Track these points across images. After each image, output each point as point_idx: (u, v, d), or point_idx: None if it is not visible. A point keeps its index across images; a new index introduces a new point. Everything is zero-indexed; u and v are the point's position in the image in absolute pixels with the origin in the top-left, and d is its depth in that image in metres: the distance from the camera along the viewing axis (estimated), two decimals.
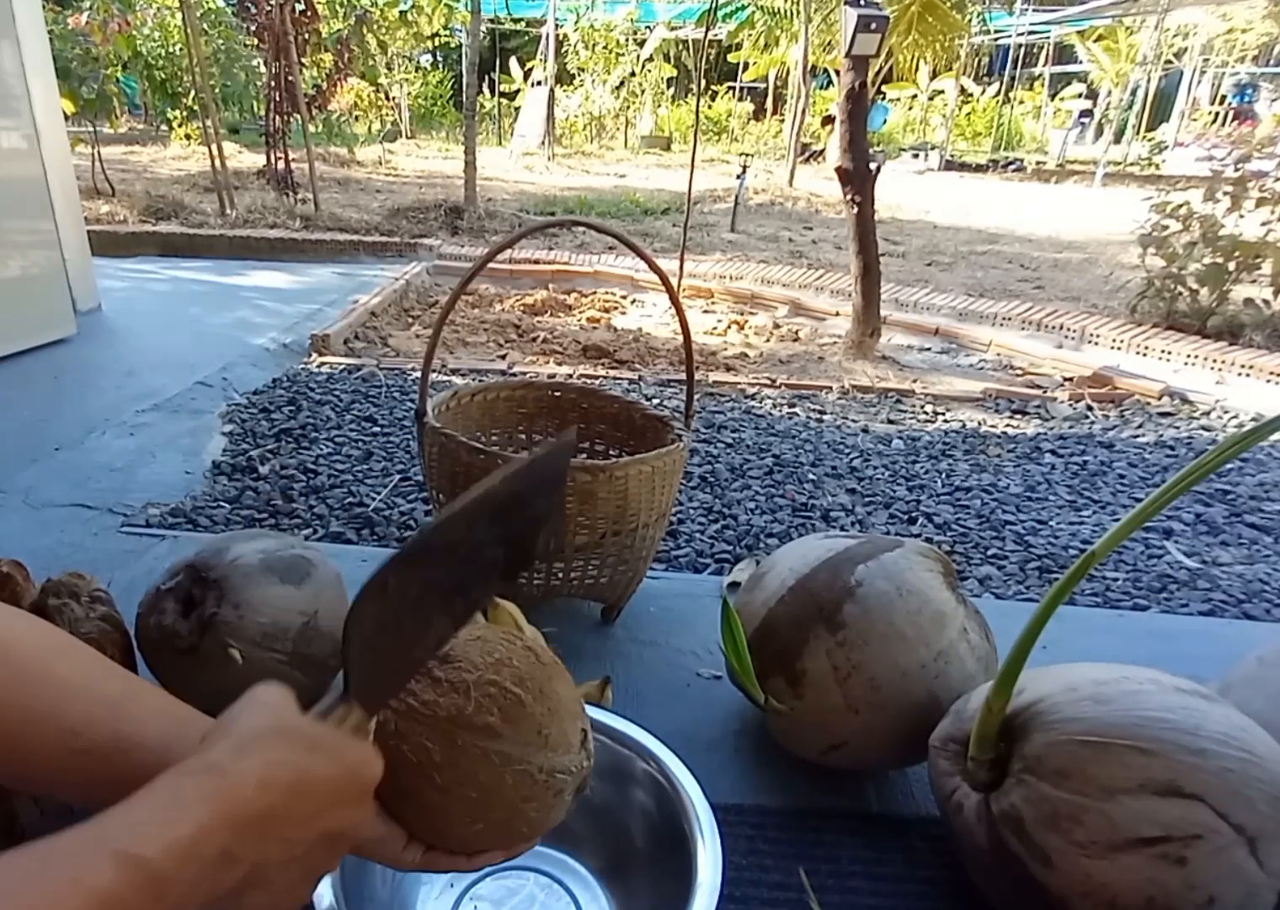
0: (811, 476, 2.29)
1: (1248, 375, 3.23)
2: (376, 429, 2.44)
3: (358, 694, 0.51)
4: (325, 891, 0.64)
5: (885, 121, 15.67)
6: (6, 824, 0.73)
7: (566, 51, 13.47)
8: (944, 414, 2.85)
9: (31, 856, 0.35)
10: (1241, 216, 3.64)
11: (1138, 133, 14.59)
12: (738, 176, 6.33)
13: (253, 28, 5.85)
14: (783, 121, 14.45)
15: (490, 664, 0.59)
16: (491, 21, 15.06)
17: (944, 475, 2.34)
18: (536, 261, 4.94)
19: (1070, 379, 3.36)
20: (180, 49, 7.78)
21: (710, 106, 15.84)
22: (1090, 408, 2.96)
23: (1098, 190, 10.22)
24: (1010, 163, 12.72)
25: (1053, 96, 16.17)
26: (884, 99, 15.62)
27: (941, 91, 15.22)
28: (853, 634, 0.88)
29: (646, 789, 0.81)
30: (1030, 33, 15.20)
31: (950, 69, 13.46)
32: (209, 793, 0.40)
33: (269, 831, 0.42)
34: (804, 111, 9.44)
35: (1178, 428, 2.80)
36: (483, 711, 0.57)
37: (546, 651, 0.65)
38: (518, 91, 14.08)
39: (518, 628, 0.85)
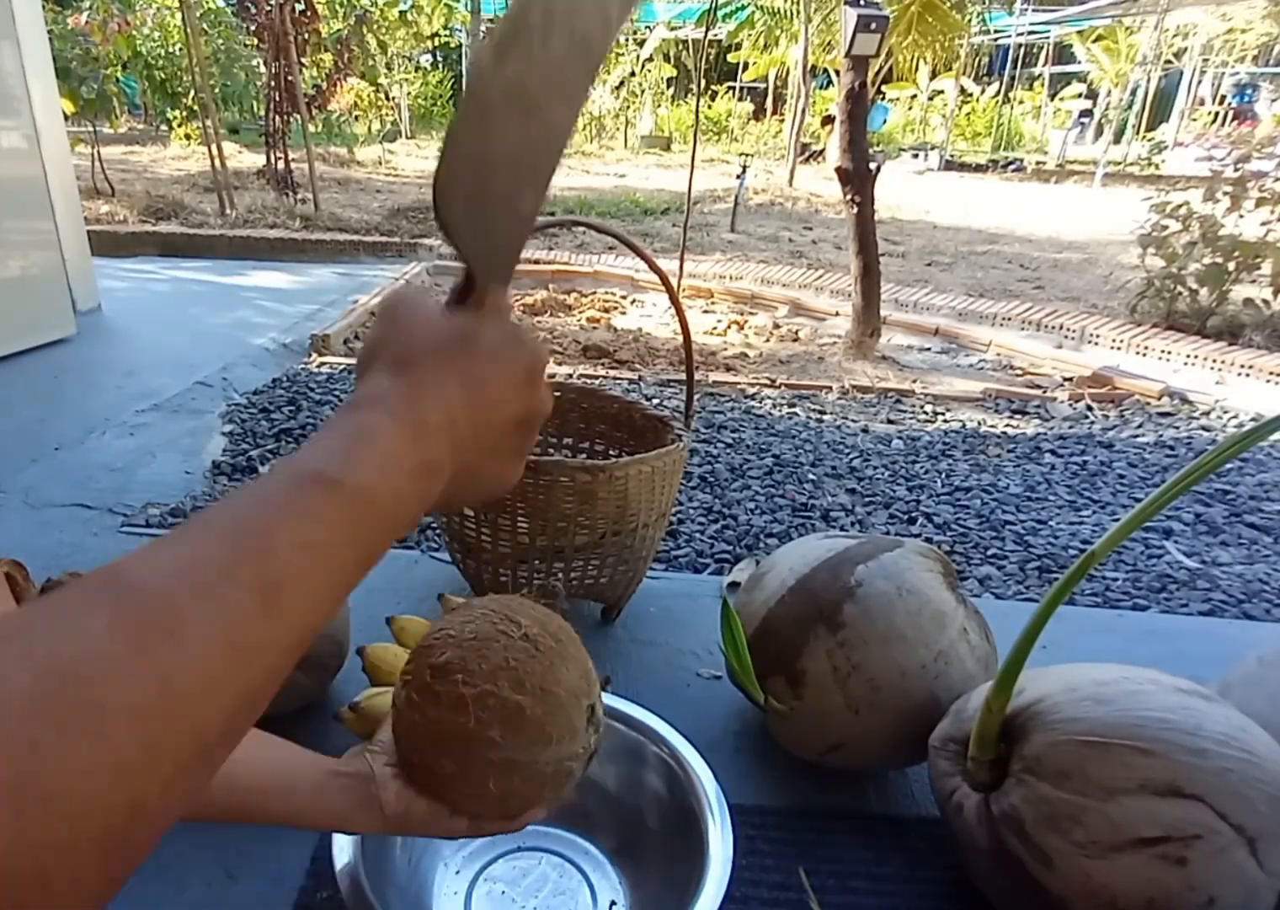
0: (811, 476, 2.29)
1: (1247, 375, 3.23)
2: None
3: (481, 269, 0.42)
4: (346, 872, 0.67)
5: (885, 121, 15.67)
6: None
7: None
8: (944, 414, 2.85)
9: (227, 502, 0.33)
10: (1241, 216, 3.64)
11: (1137, 133, 14.59)
12: (738, 176, 6.33)
13: (253, 28, 5.85)
14: (783, 121, 14.45)
15: (487, 672, 0.58)
16: (491, 21, 15.05)
17: (944, 475, 2.34)
18: (536, 261, 4.94)
19: (1070, 379, 3.36)
20: (180, 49, 7.78)
21: (710, 106, 15.84)
22: (1090, 408, 2.96)
23: (1098, 190, 10.22)
24: (1010, 163, 12.72)
25: (1053, 96, 16.18)
26: (884, 99, 15.62)
27: (941, 91, 15.22)
28: (853, 634, 0.88)
29: (658, 772, 0.83)
30: (1030, 33, 15.20)
31: (950, 69, 13.47)
32: (393, 413, 0.38)
33: (462, 434, 0.40)
34: (804, 111, 9.44)
35: (1177, 428, 2.80)
36: (484, 726, 0.57)
37: (546, 635, 0.63)
38: None
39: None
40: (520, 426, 0.44)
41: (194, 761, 0.27)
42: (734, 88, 17.22)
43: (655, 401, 2.78)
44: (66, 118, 3.82)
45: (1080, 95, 15.75)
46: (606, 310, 4.31)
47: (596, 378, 3.05)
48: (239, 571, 0.29)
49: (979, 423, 2.79)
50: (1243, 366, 3.25)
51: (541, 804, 0.62)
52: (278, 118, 5.94)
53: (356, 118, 10.97)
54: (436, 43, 13.71)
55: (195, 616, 0.27)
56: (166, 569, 0.28)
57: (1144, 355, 3.56)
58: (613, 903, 0.79)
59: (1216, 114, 15.19)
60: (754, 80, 16.44)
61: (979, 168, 12.56)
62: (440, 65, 16.62)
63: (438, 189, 0.38)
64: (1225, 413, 2.95)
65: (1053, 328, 3.92)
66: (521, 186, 0.43)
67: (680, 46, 15.91)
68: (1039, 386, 3.28)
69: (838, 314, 4.16)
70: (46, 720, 0.22)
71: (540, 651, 0.61)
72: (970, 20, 10.83)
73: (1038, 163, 13.01)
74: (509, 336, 0.43)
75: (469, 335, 0.42)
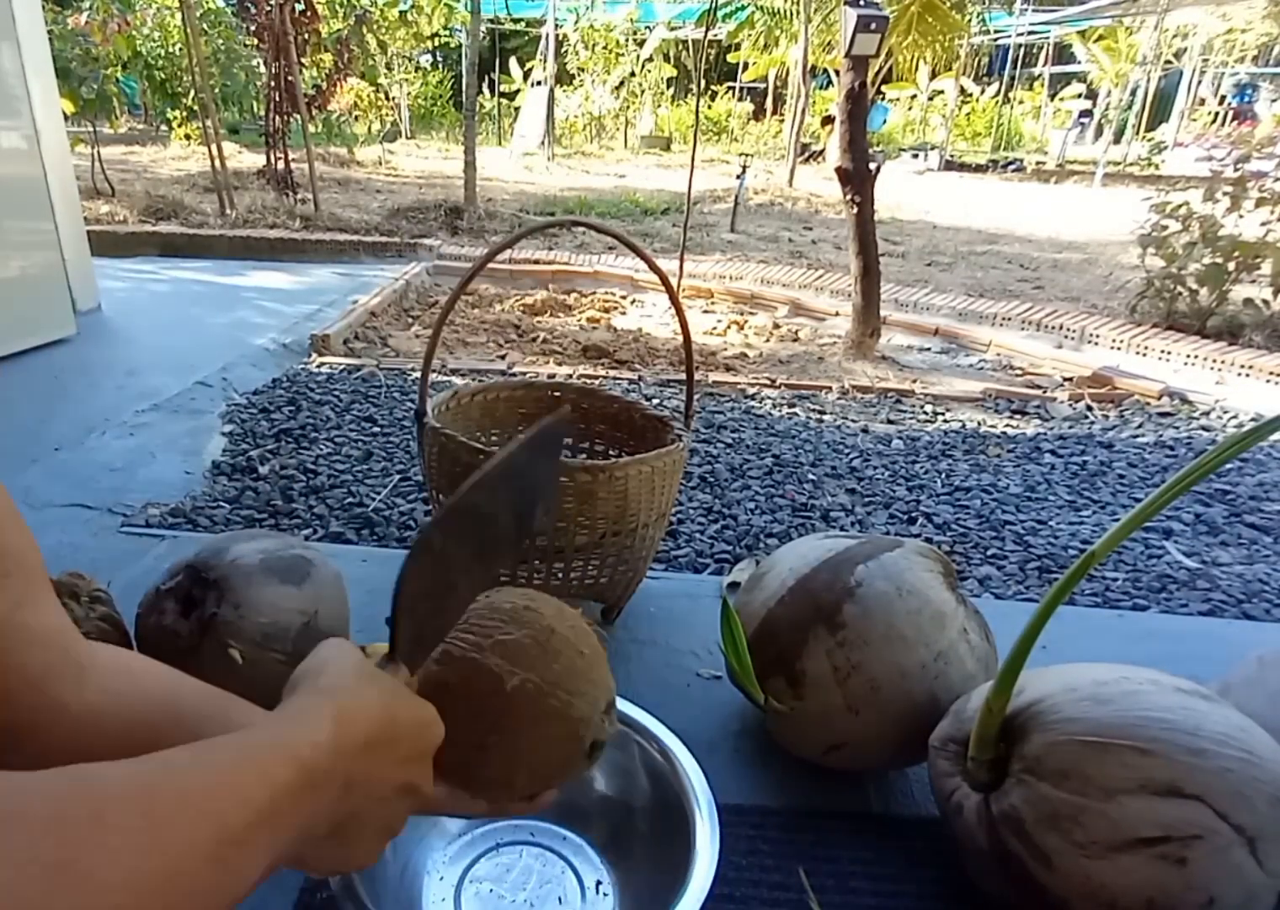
0: (811, 476, 2.29)
1: (1247, 375, 3.23)
2: (376, 429, 2.44)
3: (403, 654, 0.54)
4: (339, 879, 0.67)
5: (885, 121, 15.66)
6: None
7: (566, 51, 13.47)
8: (944, 414, 2.85)
9: (213, 750, 0.38)
10: (1241, 217, 3.64)
11: (1137, 133, 14.59)
12: (737, 176, 6.33)
13: (253, 28, 5.85)
14: (782, 121, 14.45)
15: (510, 651, 0.62)
16: (491, 21, 15.05)
17: (944, 475, 2.34)
18: (536, 261, 4.94)
19: (1070, 379, 3.36)
20: (180, 49, 7.78)
21: (710, 106, 15.83)
22: (1090, 408, 2.96)
23: (1097, 190, 10.22)
24: (1010, 163, 12.72)
25: (1052, 96, 16.17)
26: (884, 99, 15.61)
27: (941, 91, 15.22)
28: (853, 634, 0.88)
29: (646, 765, 0.83)
30: (1030, 33, 15.19)
31: (950, 69, 13.46)
32: (336, 718, 0.44)
33: (370, 766, 0.45)
34: (804, 111, 9.44)
35: (1177, 428, 2.80)
36: (507, 699, 0.62)
37: (563, 622, 0.66)
38: (517, 91, 14.08)
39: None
40: (405, 793, 0.49)
41: None
42: (734, 88, 17.22)
43: (655, 401, 2.78)
44: (66, 118, 3.83)
45: (1080, 95, 15.75)
46: (606, 310, 4.31)
47: (596, 378, 3.05)
48: (191, 820, 0.34)
49: (979, 423, 2.79)
50: (1243, 366, 3.25)
51: (558, 783, 0.66)
52: (278, 118, 5.94)
53: (356, 118, 10.97)
54: (436, 43, 13.70)
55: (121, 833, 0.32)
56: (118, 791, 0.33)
57: (1144, 355, 3.56)
58: (599, 882, 0.80)
59: (1216, 114, 15.19)
60: (754, 80, 16.43)
61: (979, 168, 12.56)
62: (440, 65, 16.62)
63: (397, 590, 0.51)
64: (1225, 413, 2.95)
65: (1053, 328, 3.92)
66: (443, 614, 0.59)
67: (680, 46, 15.91)
68: (1039, 386, 3.28)
69: (838, 314, 4.16)
70: None
71: (558, 636, 0.64)
72: (970, 20, 10.82)
73: (1038, 163, 13.01)
74: (424, 710, 0.52)
75: (396, 690, 0.50)
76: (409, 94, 13.72)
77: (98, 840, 0.30)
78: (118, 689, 0.53)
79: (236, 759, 0.38)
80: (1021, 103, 16.68)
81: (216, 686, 0.61)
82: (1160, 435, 2.71)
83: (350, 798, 0.44)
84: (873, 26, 3.06)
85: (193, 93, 7.35)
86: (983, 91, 16.42)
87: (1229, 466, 2.39)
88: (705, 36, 6.62)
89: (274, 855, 0.39)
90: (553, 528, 1.08)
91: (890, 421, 2.77)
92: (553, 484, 0.69)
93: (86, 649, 0.54)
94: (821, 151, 12.01)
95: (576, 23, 13.42)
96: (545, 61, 11.97)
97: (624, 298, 4.59)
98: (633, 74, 14.04)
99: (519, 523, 0.64)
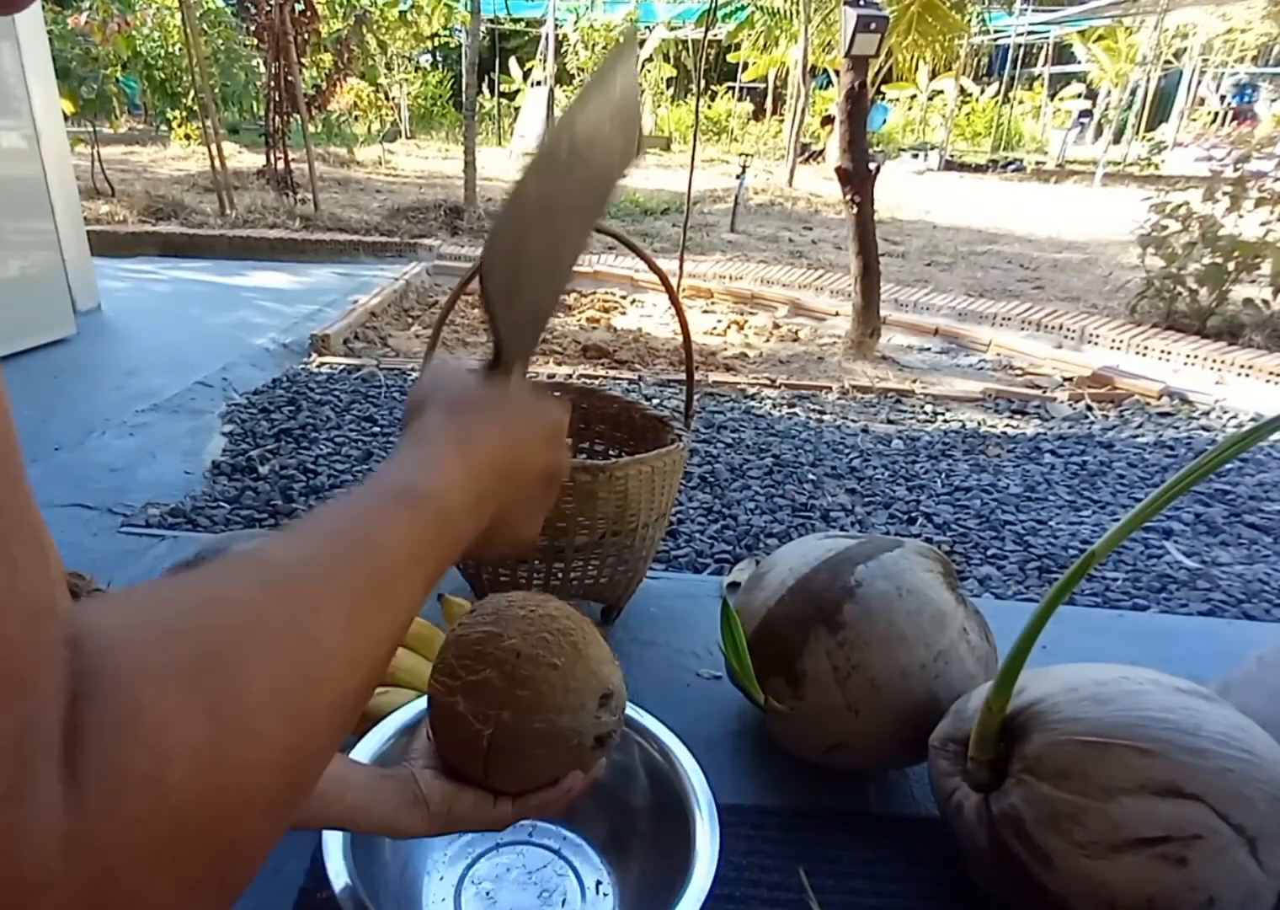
0: (811, 476, 2.29)
1: (1247, 375, 3.23)
2: (376, 429, 2.44)
3: (510, 346, 0.51)
4: (341, 874, 0.68)
5: (885, 121, 15.66)
6: None
7: (566, 51, 13.47)
8: (944, 414, 2.85)
9: (327, 507, 0.38)
10: (1241, 217, 3.64)
11: (1137, 133, 14.59)
12: (737, 176, 6.33)
13: (253, 28, 5.85)
14: (782, 121, 14.45)
15: (517, 643, 0.62)
16: (491, 21, 15.05)
17: (944, 475, 2.34)
18: None
19: (1070, 379, 3.36)
20: (180, 49, 7.78)
21: (710, 106, 15.83)
22: (1090, 408, 2.96)
23: (1097, 190, 10.22)
24: (1010, 163, 12.72)
25: (1052, 96, 16.17)
26: (883, 99, 15.61)
27: (941, 91, 15.21)
28: (853, 634, 0.88)
29: (646, 765, 0.83)
30: (1030, 33, 15.19)
31: (950, 69, 13.46)
32: (456, 447, 0.44)
33: (502, 474, 0.46)
34: (804, 111, 9.44)
35: (1177, 428, 2.80)
36: (520, 687, 0.62)
37: (564, 616, 0.66)
38: (517, 91, 14.08)
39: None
40: (545, 480, 0.51)
41: (333, 720, 0.31)
42: (734, 88, 17.21)
43: (655, 401, 2.78)
44: (66, 118, 3.82)
45: (1080, 95, 15.74)
46: (606, 310, 4.31)
47: (596, 378, 3.05)
48: (354, 559, 0.34)
49: (979, 423, 2.79)
50: (1242, 366, 3.25)
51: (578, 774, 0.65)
52: (278, 118, 5.95)
53: (356, 118, 10.97)
54: (436, 43, 13.70)
55: (326, 593, 0.32)
56: (297, 554, 0.33)
57: (1144, 355, 3.56)
58: (599, 882, 0.80)
59: (1216, 114, 15.19)
60: (754, 80, 16.43)
61: (979, 168, 12.56)
62: (440, 65, 16.62)
63: (483, 279, 0.46)
64: (1225, 413, 2.95)
65: (1053, 328, 3.92)
66: (542, 287, 0.53)
67: (680, 46, 15.90)
68: (1039, 386, 3.28)
69: (838, 314, 4.16)
70: (228, 666, 0.26)
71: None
72: (970, 20, 10.82)
73: (1037, 163, 13.01)
74: (538, 397, 0.51)
75: (505, 394, 0.49)
76: (409, 94, 13.72)
77: (309, 612, 0.31)
78: None
79: (375, 517, 0.38)
80: (1021, 103, 16.67)
81: None
82: (1160, 435, 2.71)
83: (489, 507, 0.45)
84: (873, 26, 3.06)
85: (193, 93, 7.35)
86: (982, 91, 16.41)
87: (1229, 466, 2.39)
88: (705, 36, 6.61)
89: (424, 595, 0.40)
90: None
91: (890, 421, 2.77)
92: (638, 108, 0.60)
93: None
94: (821, 151, 12.01)
95: (576, 23, 13.41)
96: (545, 61, 11.97)
97: (624, 298, 4.59)
98: None
99: (595, 189, 0.56)
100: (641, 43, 14.11)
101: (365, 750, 0.78)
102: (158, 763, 0.23)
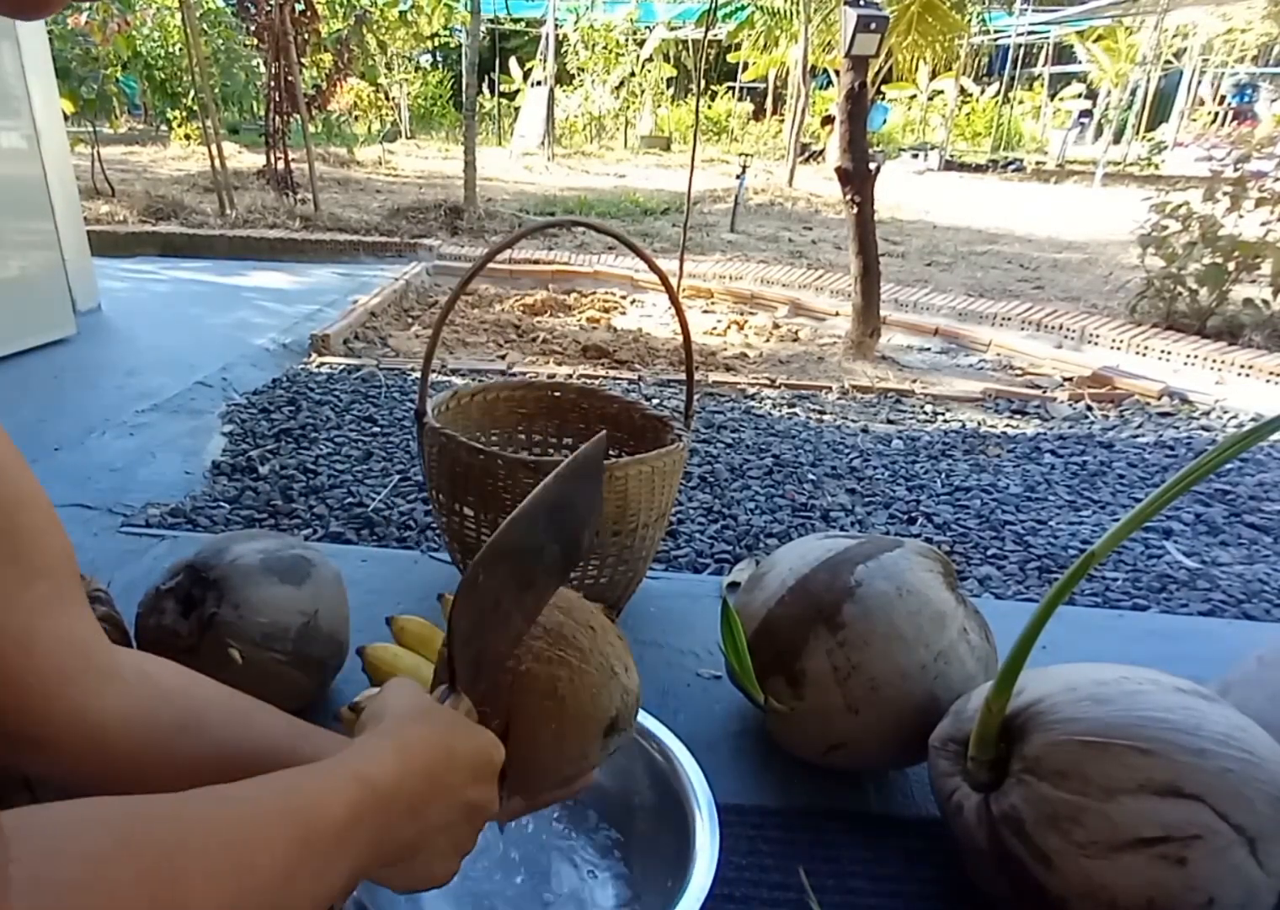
0: (811, 476, 2.29)
1: (1247, 375, 3.23)
2: (376, 429, 2.44)
3: (463, 684, 0.56)
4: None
5: (885, 121, 15.66)
6: None
7: (566, 51, 13.47)
8: (944, 414, 2.85)
9: (290, 775, 0.42)
10: (1241, 216, 3.64)
11: (1137, 133, 14.59)
12: (737, 176, 6.33)
13: (253, 28, 5.85)
14: (782, 121, 14.45)
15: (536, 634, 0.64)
16: (491, 21, 15.05)
17: (944, 475, 2.34)
18: (536, 261, 4.94)
19: (1070, 379, 3.36)
20: (180, 49, 7.78)
21: (710, 106, 15.83)
22: (1090, 408, 2.96)
23: (1097, 190, 10.22)
24: (1010, 163, 12.72)
25: (1052, 96, 16.17)
26: (884, 99, 15.61)
27: (941, 91, 15.22)
28: (853, 634, 0.88)
29: (646, 765, 0.83)
30: (1030, 33, 15.19)
31: (950, 69, 13.46)
32: (398, 748, 0.48)
33: (436, 790, 0.48)
34: (804, 111, 9.44)
35: (1177, 428, 2.80)
36: (540, 678, 0.63)
37: (573, 606, 0.67)
38: (517, 91, 14.08)
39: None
40: (470, 814, 0.52)
41: None
42: (734, 88, 17.21)
43: (655, 401, 2.78)
44: (66, 118, 3.83)
45: (1080, 95, 15.74)
46: (606, 310, 4.31)
47: (596, 378, 3.05)
48: (288, 827, 0.39)
49: (979, 423, 2.79)
50: (1243, 366, 3.25)
51: (580, 765, 0.66)
52: (278, 118, 5.94)
53: (356, 118, 10.97)
54: (436, 43, 13.70)
55: (262, 853, 0.36)
56: (232, 819, 0.37)
57: (1144, 355, 3.56)
58: (599, 881, 0.80)
59: (1216, 114, 15.19)
60: (754, 80, 16.43)
61: (979, 168, 12.56)
62: (440, 65, 16.62)
63: (451, 622, 0.53)
64: (1225, 413, 2.95)
65: (1053, 328, 3.92)
66: (501, 637, 0.60)
67: (680, 46, 15.90)
68: (1039, 386, 3.28)
69: (838, 314, 4.16)
70: None
71: (576, 621, 0.65)
72: (970, 20, 10.82)
73: (1038, 163, 13.01)
74: (484, 737, 0.54)
75: (456, 722, 0.53)
76: (409, 94, 13.71)
77: (197, 866, 0.33)
78: (139, 697, 0.53)
79: (316, 784, 0.42)
80: (1021, 103, 16.67)
81: None
82: (1160, 435, 2.71)
83: (417, 821, 0.47)
84: (873, 26, 3.06)
85: (193, 93, 7.35)
86: (983, 91, 16.41)
87: (1229, 466, 2.39)
88: (705, 36, 6.61)
89: (352, 871, 0.42)
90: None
91: (890, 421, 2.77)
92: (596, 510, 0.69)
93: (110, 656, 0.53)
94: (821, 151, 12.01)
95: (576, 23, 13.41)
96: (545, 61, 11.97)
97: (624, 298, 4.59)
98: (633, 74, 14.03)
99: (565, 552, 0.65)
100: (641, 43, 14.13)
101: None
102: None
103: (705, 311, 4.41)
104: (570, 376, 3.01)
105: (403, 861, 0.49)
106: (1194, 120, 14.91)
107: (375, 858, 0.44)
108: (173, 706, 0.55)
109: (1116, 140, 13.06)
